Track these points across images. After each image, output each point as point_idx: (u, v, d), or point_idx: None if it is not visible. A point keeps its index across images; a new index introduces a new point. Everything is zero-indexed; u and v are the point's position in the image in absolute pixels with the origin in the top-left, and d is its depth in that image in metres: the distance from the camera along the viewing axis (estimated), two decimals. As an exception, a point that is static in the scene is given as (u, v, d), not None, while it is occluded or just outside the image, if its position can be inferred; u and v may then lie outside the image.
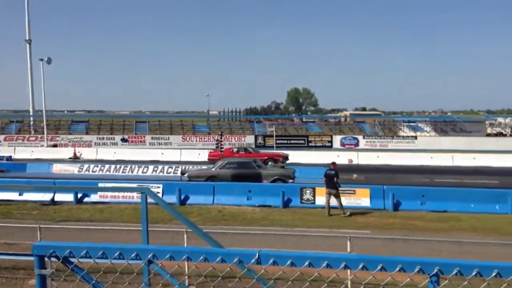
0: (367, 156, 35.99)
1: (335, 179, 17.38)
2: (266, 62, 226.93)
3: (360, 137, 48.90)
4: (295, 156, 35.90)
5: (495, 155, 35.93)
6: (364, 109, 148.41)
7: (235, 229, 14.64)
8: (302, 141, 47.96)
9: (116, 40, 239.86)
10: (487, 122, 59.46)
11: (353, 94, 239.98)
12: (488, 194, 18.35)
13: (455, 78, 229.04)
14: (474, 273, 1.88)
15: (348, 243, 9.93)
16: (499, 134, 53.50)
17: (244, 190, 19.36)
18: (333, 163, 18.30)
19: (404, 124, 57.60)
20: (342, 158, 32.55)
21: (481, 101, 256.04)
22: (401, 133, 53.50)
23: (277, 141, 44.19)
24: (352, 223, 16.20)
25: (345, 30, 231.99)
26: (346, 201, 17.94)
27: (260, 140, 47.97)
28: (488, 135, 53.38)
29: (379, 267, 2.02)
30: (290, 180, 22.29)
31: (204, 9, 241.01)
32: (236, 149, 32.48)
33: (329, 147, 46.93)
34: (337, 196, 17.36)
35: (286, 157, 31.52)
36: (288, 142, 47.52)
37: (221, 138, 30.66)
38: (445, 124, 56.57)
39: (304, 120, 68.33)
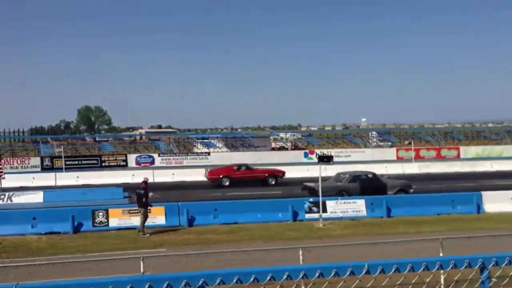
0: (163, 173, 36.17)
1: (143, 198, 17.25)
2: (54, 78, 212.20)
3: (155, 155, 48.92)
4: (87, 178, 34.24)
5: (279, 167, 39.48)
6: (160, 126, 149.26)
7: (17, 261, 13.22)
8: (95, 161, 45.97)
9: None
10: (271, 137, 64.95)
11: (149, 112, 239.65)
12: (272, 204, 20.06)
13: (244, 97, 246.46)
14: (234, 280, 1.98)
15: (142, 263, 9.77)
16: (282, 148, 58.86)
17: (28, 218, 17.68)
18: (144, 182, 18.08)
19: (198, 141, 59.53)
20: (137, 177, 32.06)
21: (267, 117, 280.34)
22: (196, 150, 55.17)
23: (67, 162, 41.48)
24: (148, 243, 16.03)
25: (138, 47, 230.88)
26: (141, 220, 17.68)
27: (47, 162, 44.40)
28: (273, 149, 58.34)
29: (147, 286, 1.99)
30: (411, 190, 23.26)
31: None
32: (236, 167, 31.31)
33: (124, 166, 45.83)
34: (145, 216, 17.19)
35: (284, 173, 31.64)
36: (80, 162, 45.08)
37: None
38: (235, 140, 60.15)
39: (97, 139, 65.56)
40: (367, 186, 22.94)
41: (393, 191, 22.98)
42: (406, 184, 24.11)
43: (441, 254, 9.71)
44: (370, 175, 24.15)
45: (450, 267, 2.07)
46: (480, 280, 2.15)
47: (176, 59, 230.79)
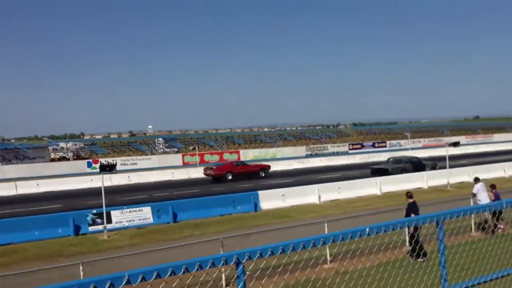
0: None
1: None
2: None
3: None
4: None
5: (59, 179, 36.92)
6: None
7: None
8: None
9: None
10: (50, 147, 60.33)
11: None
12: (51, 219, 18.58)
13: (18, 104, 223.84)
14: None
15: None
16: (63, 159, 55.15)
17: None
18: None
19: (-41, 154, 52.05)
20: None
21: (45, 127, 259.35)
22: (-44, 165, 48.09)
23: None
24: None
25: None
26: None
27: None
28: (53, 160, 54.30)
29: None
30: (437, 167, 32.45)
31: None
32: (235, 163, 38.12)
33: None
34: None
35: (269, 167, 39.68)
36: None
37: None
38: (7, 152, 54.33)
39: None
40: (416, 166, 32.26)
41: (429, 168, 32.02)
42: (434, 164, 33.52)
43: (221, 252, 10.24)
44: (416, 159, 34.18)
45: (208, 266, 2.16)
46: (236, 274, 2.30)
47: None
